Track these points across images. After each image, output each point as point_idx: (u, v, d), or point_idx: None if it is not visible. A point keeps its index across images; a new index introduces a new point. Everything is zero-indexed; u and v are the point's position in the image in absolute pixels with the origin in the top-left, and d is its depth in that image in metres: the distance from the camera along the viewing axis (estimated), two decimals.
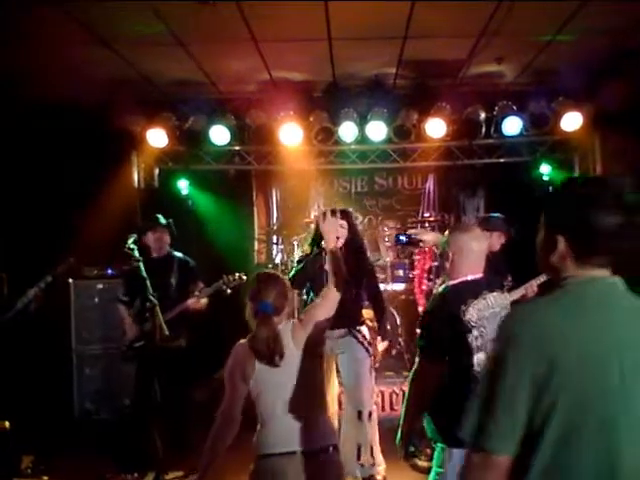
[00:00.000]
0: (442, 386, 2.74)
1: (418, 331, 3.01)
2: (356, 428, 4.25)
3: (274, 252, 7.51)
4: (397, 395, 5.71)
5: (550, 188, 6.91)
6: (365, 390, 4.32)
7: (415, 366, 2.88)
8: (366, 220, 7.91)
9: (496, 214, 5.18)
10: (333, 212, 4.45)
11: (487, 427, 1.50)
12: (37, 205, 6.10)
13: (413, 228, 6.74)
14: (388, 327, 6.14)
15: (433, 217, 7.32)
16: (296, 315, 3.06)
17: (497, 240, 4.85)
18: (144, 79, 6.10)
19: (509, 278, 5.11)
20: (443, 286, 2.98)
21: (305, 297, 4.65)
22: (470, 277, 2.88)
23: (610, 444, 1.49)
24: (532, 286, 4.82)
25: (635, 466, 1.49)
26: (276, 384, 2.70)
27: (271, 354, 2.65)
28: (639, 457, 1.49)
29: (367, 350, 4.43)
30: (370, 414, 4.29)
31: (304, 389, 2.71)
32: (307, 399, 2.73)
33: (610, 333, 1.52)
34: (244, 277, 4.77)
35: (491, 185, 7.69)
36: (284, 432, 2.70)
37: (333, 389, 4.56)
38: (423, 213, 7.57)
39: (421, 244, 5.13)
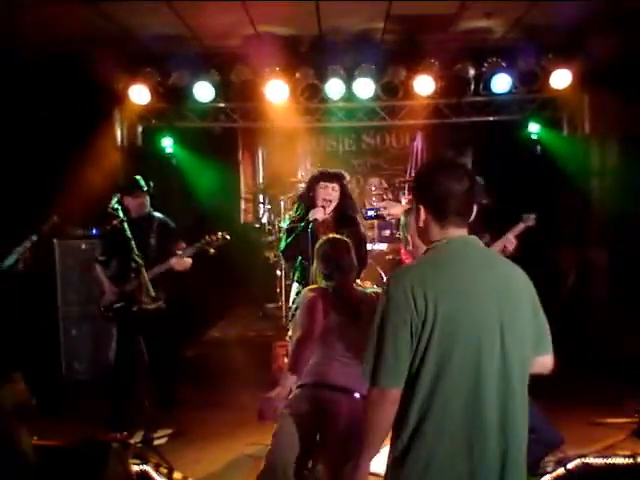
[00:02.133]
0: None
1: None
2: None
3: (261, 211, 7.45)
4: None
5: (538, 148, 6.88)
6: None
7: None
8: (353, 180, 7.84)
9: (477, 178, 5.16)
10: (326, 175, 4.40)
11: (380, 367, 1.90)
12: (20, 164, 5.97)
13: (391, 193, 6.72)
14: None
15: None
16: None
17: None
18: (126, 34, 5.92)
19: (487, 237, 5.14)
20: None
21: (297, 266, 4.55)
22: None
23: (477, 379, 1.87)
24: (509, 239, 4.82)
25: (495, 394, 1.89)
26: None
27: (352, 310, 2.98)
28: (500, 387, 1.89)
29: None
30: None
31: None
32: None
33: (467, 281, 1.93)
34: (227, 236, 4.71)
35: (479, 143, 7.64)
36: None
37: None
38: (410, 173, 7.51)
39: (388, 217, 5.14)
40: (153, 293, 4.27)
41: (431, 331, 1.86)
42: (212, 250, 4.69)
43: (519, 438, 1.95)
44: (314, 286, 3.18)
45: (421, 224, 2.06)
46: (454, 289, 1.91)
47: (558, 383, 4.44)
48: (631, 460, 3.75)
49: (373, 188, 6.97)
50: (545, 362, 2.08)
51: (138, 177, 4.99)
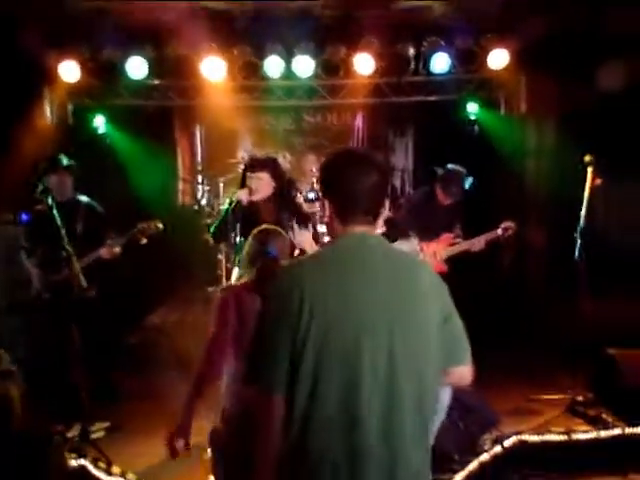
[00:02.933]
0: None
1: None
2: None
3: (199, 193, 7.28)
4: None
5: (476, 128, 6.93)
6: None
7: None
8: (294, 159, 7.75)
9: (456, 170, 5.28)
10: (250, 165, 4.34)
11: (261, 372, 1.78)
12: None
13: None
14: None
15: None
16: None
17: (448, 196, 5.13)
18: (54, 6, 5.61)
19: (458, 226, 5.25)
20: None
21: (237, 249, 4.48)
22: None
23: (351, 377, 1.71)
24: (479, 243, 4.99)
25: (372, 392, 1.71)
26: None
27: None
28: (375, 387, 1.71)
29: None
30: None
31: None
32: None
33: (354, 281, 1.77)
34: (160, 225, 4.60)
35: (420, 123, 7.65)
36: None
37: None
38: None
39: None
40: (85, 283, 4.10)
41: (305, 334, 1.71)
42: (144, 240, 4.56)
43: (409, 458, 1.75)
44: (229, 284, 2.97)
45: (326, 218, 1.95)
46: (336, 290, 1.76)
47: (494, 361, 4.60)
48: (565, 437, 3.89)
49: (313, 169, 6.87)
50: (461, 373, 1.91)
51: (59, 155, 4.76)
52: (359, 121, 7.77)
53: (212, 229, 4.43)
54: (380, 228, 2.89)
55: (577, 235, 4.66)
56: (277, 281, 1.86)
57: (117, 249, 4.64)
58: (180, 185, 7.72)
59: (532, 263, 6.92)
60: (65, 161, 4.76)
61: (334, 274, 1.80)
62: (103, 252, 4.57)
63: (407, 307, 1.79)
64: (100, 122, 6.78)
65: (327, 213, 1.92)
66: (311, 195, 4.29)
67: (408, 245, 3.98)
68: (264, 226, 3.11)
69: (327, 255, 1.92)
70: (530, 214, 6.88)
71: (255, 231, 3.05)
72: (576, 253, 4.66)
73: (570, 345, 4.69)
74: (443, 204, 5.23)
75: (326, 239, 5.88)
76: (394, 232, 2.88)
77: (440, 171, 5.30)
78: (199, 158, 7.71)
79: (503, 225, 5.23)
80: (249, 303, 2.70)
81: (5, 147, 5.68)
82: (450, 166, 5.29)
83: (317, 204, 6.00)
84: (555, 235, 6.49)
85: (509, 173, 6.86)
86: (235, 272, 4.51)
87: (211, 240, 4.58)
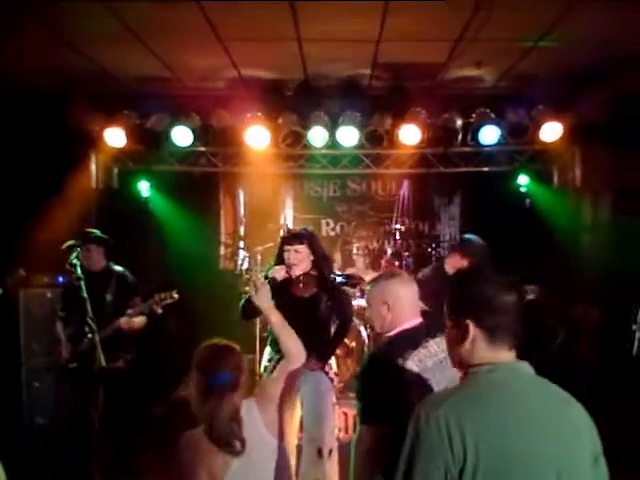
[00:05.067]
0: (389, 449, 2.45)
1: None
2: (315, 466, 3.96)
3: (240, 257, 7.19)
4: None
5: (528, 201, 6.68)
6: (326, 427, 4.03)
7: (357, 430, 2.59)
8: (338, 227, 7.63)
9: (478, 241, 4.92)
10: (288, 238, 4.22)
11: None
12: None
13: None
14: (354, 345, 5.91)
15: (405, 227, 7.06)
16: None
17: (468, 265, 4.64)
18: (102, 74, 5.71)
19: None
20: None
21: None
22: (407, 325, 2.61)
23: None
24: None
25: None
26: None
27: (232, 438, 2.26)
28: None
29: (332, 380, 4.16)
30: (330, 451, 4.01)
31: None
32: None
33: (517, 419, 1.57)
34: (175, 295, 4.53)
35: (468, 193, 7.47)
36: None
37: (295, 422, 4.25)
38: (395, 224, 7.29)
39: (361, 284, 4.91)
40: (104, 362, 4.04)
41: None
42: (159, 310, 4.49)
43: None
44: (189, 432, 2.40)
45: (467, 345, 1.73)
46: (500, 430, 1.57)
47: None
48: None
49: (355, 251, 6.73)
50: None
51: (91, 230, 4.80)
52: (405, 189, 7.62)
53: (241, 305, 4.27)
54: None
55: (636, 327, 4.29)
56: (426, 419, 1.59)
57: (138, 320, 4.59)
58: (222, 249, 7.66)
59: (585, 344, 6.52)
60: (95, 235, 4.77)
61: (495, 412, 1.60)
62: (122, 323, 4.54)
63: (569, 446, 1.63)
64: (144, 187, 6.82)
65: (470, 337, 1.72)
66: (340, 279, 4.13)
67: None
68: (205, 344, 2.46)
69: (481, 389, 1.67)
70: (584, 292, 6.52)
71: (196, 354, 2.43)
72: (635, 347, 4.28)
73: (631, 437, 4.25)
74: None
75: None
76: (434, 325, 2.63)
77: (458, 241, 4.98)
78: (241, 224, 7.66)
79: (526, 289, 4.86)
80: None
81: (50, 209, 5.75)
82: (468, 235, 5.01)
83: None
84: (611, 315, 6.13)
85: (562, 248, 6.54)
86: (266, 353, 4.34)
87: (242, 313, 4.41)
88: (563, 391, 1.77)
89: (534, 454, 1.56)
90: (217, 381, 2.29)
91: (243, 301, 4.21)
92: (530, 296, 4.79)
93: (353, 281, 3.98)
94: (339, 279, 4.02)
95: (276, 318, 2.60)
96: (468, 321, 1.72)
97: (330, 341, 4.29)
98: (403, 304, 2.65)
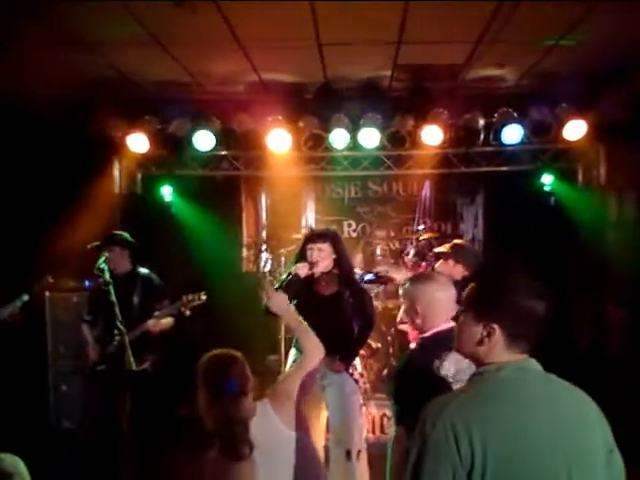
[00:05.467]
0: None
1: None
2: (344, 468, 3.96)
3: (263, 260, 7.22)
4: (388, 418, 5.43)
5: (552, 199, 6.61)
6: (354, 428, 4.03)
7: (394, 433, 2.59)
8: (360, 228, 7.62)
9: (470, 248, 4.95)
10: (311, 236, 4.24)
11: None
12: (14, 213, 5.81)
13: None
14: (379, 345, 5.89)
15: (427, 229, 7.03)
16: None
17: (460, 272, 4.60)
18: (124, 80, 5.77)
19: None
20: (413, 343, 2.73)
21: None
22: (443, 327, 2.62)
23: None
24: None
25: None
26: None
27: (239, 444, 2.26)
28: None
29: (357, 382, 4.15)
30: (359, 453, 4.00)
31: None
32: None
33: (525, 418, 1.56)
34: (203, 297, 4.56)
35: (491, 192, 7.40)
36: None
37: (321, 422, 4.26)
38: (418, 224, 7.26)
39: (390, 283, 4.87)
40: (134, 366, 4.07)
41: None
42: (187, 312, 4.52)
43: None
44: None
45: (487, 346, 1.70)
46: (508, 429, 1.56)
47: None
48: None
49: (379, 252, 6.72)
50: None
51: (116, 232, 4.84)
52: (426, 190, 7.58)
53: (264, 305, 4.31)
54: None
55: None
56: (432, 422, 1.58)
57: (165, 321, 4.62)
58: (244, 252, 7.69)
59: (613, 343, 6.43)
60: (120, 237, 4.81)
61: (502, 412, 1.59)
62: (150, 325, 4.57)
63: (580, 445, 1.62)
64: (167, 191, 6.86)
65: (494, 338, 1.69)
66: (369, 277, 4.13)
67: None
68: (208, 356, 2.52)
69: (488, 389, 1.66)
70: (610, 290, 6.44)
71: (199, 367, 2.49)
72: None
73: None
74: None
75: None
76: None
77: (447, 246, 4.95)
78: (264, 226, 7.69)
79: None
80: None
81: (75, 214, 5.82)
82: (457, 241, 4.98)
83: (374, 286, 5.84)
84: (638, 313, 6.05)
85: (588, 247, 6.46)
86: (291, 355, 4.35)
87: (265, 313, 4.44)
88: (573, 386, 1.75)
89: (544, 452, 1.56)
90: (224, 392, 2.31)
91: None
92: None
93: (382, 280, 3.96)
94: (368, 277, 4.01)
95: (291, 319, 2.66)
96: (495, 326, 1.68)
97: (353, 342, 4.29)
98: (437, 307, 2.67)
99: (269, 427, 2.39)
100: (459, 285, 4.53)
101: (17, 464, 2.55)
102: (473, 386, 1.69)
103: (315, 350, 2.59)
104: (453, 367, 2.47)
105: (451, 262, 4.71)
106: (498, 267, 1.84)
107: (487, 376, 1.67)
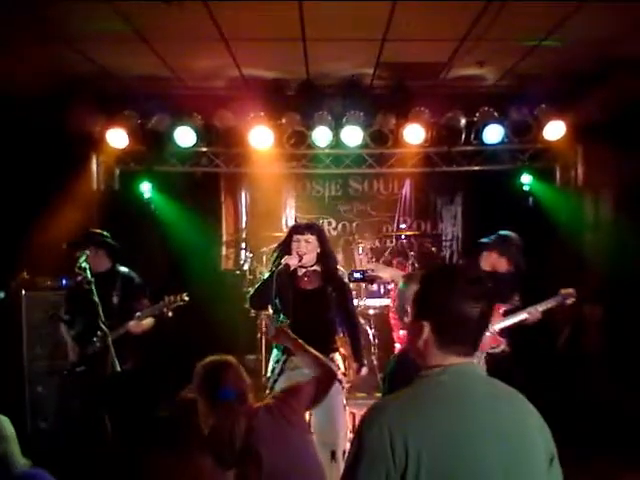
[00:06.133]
0: None
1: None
2: (330, 469, 3.92)
3: (242, 258, 7.16)
4: None
5: (530, 199, 6.68)
6: (339, 428, 4.00)
7: None
8: (340, 226, 7.61)
9: (516, 239, 4.76)
10: (299, 227, 4.23)
11: None
12: None
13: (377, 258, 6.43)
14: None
15: (408, 228, 7.05)
16: None
17: (505, 264, 4.58)
18: (104, 74, 5.69)
19: (516, 298, 4.77)
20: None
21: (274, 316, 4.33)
22: None
23: None
24: (537, 311, 4.56)
25: None
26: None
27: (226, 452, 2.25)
28: None
29: (340, 382, 4.12)
30: (344, 453, 3.97)
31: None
32: None
33: (461, 424, 1.55)
34: (185, 298, 4.49)
35: (470, 192, 7.46)
36: None
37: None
38: (398, 223, 7.28)
39: (378, 281, 4.82)
40: (118, 367, 3.99)
41: None
42: (170, 313, 4.45)
43: None
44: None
45: (420, 344, 1.70)
46: (444, 435, 1.54)
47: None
48: None
49: (360, 250, 6.70)
50: None
51: (91, 230, 4.73)
52: (406, 188, 7.61)
53: (251, 295, 4.29)
54: None
55: None
56: (369, 426, 1.57)
57: (146, 322, 4.54)
58: (224, 250, 7.63)
59: (590, 340, 6.53)
60: (99, 237, 4.69)
61: (439, 417, 1.57)
62: (131, 326, 4.48)
63: (518, 452, 1.60)
64: (146, 188, 6.77)
65: (422, 337, 1.69)
66: (357, 275, 4.09)
67: None
68: (201, 364, 2.51)
69: (427, 393, 1.65)
70: (587, 289, 6.53)
71: (195, 376, 2.47)
72: None
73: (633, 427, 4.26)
74: (498, 272, 4.76)
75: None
76: None
77: (493, 237, 4.89)
78: (243, 224, 7.63)
79: (563, 292, 4.72)
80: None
81: (51, 211, 5.70)
82: (503, 232, 4.92)
83: (363, 285, 5.83)
84: (614, 312, 6.15)
85: (565, 246, 6.55)
86: (273, 355, 4.29)
87: (249, 307, 4.39)
88: (514, 391, 1.75)
89: (480, 455, 1.55)
90: (221, 398, 2.32)
91: (257, 288, 4.24)
92: (567, 301, 4.68)
93: (369, 278, 3.93)
94: (356, 275, 3.97)
95: (298, 349, 2.75)
96: (425, 324, 1.69)
97: (357, 340, 4.32)
98: None
99: (274, 428, 2.38)
100: (501, 278, 4.60)
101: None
102: (414, 389, 1.69)
103: (325, 377, 2.60)
104: None
105: (495, 254, 4.64)
106: (441, 269, 1.91)
107: (427, 379, 1.68)
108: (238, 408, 2.33)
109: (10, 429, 2.74)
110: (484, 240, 4.77)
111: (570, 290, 4.66)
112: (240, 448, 2.27)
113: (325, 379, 2.61)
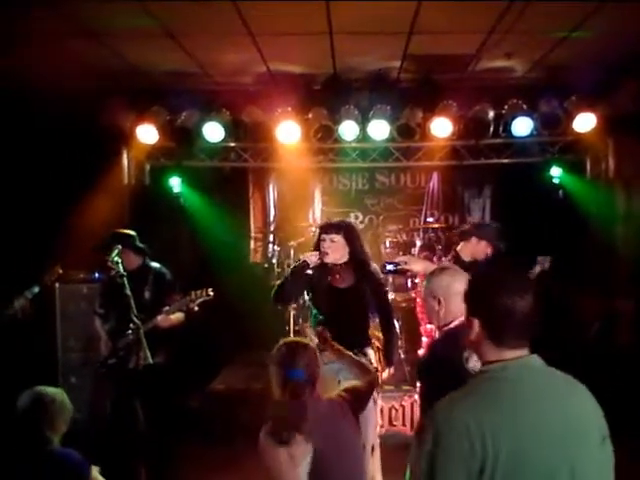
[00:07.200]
0: None
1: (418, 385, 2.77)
2: None
3: (270, 251, 7.22)
4: (396, 410, 5.45)
5: (561, 192, 6.61)
6: (369, 423, 4.00)
7: (420, 421, 2.61)
8: (367, 220, 7.62)
9: (492, 224, 4.95)
10: (325, 227, 4.25)
11: None
12: (23, 205, 5.81)
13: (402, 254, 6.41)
14: None
15: (436, 221, 7.02)
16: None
17: (483, 249, 4.60)
18: (134, 71, 5.76)
19: None
20: (438, 333, 2.73)
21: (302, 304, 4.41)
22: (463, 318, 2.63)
23: None
24: None
25: None
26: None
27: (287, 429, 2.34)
28: None
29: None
30: (373, 448, 3.99)
31: None
32: None
33: (531, 415, 1.61)
34: (210, 293, 4.50)
35: (498, 184, 7.41)
36: None
37: None
38: (426, 216, 7.26)
39: (409, 273, 4.83)
40: (150, 360, 4.06)
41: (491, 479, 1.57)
42: (195, 308, 4.49)
43: None
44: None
45: (473, 337, 1.78)
46: (516, 426, 1.60)
47: None
48: None
49: (387, 244, 6.70)
50: None
51: (117, 231, 4.76)
52: (434, 182, 7.58)
53: (274, 291, 4.32)
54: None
55: None
56: (443, 422, 1.63)
57: (175, 317, 4.59)
58: (252, 243, 7.69)
59: (621, 334, 6.45)
60: (124, 237, 4.71)
61: (510, 410, 1.63)
62: (159, 321, 4.52)
63: (582, 438, 1.68)
64: (176, 183, 6.86)
65: (474, 332, 1.78)
66: (390, 267, 4.07)
67: None
68: (283, 341, 2.61)
69: (495, 387, 1.69)
70: (619, 282, 6.45)
71: (275, 350, 2.57)
72: None
73: None
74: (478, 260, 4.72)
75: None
76: None
77: (467, 226, 4.95)
78: (271, 217, 7.69)
79: (539, 259, 4.82)
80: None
81: (83, 206, 5.82)
82: (476, 221, 5.00)
83: (395, 277, 5.82)
84: None
85: (596, 240, 6.47)
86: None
87: (273, 303, 4.44)
88: (570, 377, 1.81)
89: (549, 446, 1.61)
90: (293, 376, 2.40)
91: (279, 284, 4.28)
92: (545, 266, 4.74)
93: (401, 271, 3.91)
94: (389, 267, 3.96)
95: (341, 357, 2.94)
96: (475, 320, 1.77)
97: (391, 340, 4.32)
98: (457, 299, 2.65)
99: (332, 423, 2.48)
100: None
101: (59, 395, 2.91)
102: (481, 385, 1.72)
103: (369, 385, 2.77)
104: (477, 360, 2.48)
105: (474, 240, 4.68)
106: (486, 266, 1.89)
107: (491, 375, 1.72)
108: (306, 391, 2.41)
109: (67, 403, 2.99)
110: (461, 228, 4.89)
111: (546, 257, 4.80)
112: (298, 429, 2.35)
113: (369, 387, 2.77)
